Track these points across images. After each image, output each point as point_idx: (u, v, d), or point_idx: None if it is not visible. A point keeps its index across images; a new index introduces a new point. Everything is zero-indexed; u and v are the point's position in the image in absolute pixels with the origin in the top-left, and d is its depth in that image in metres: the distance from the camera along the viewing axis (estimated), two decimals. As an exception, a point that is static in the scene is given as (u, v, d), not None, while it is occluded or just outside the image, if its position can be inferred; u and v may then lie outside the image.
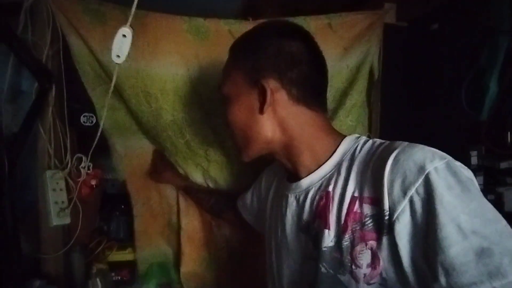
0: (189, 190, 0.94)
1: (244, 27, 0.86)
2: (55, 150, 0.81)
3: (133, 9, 0.44)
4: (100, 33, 0.80)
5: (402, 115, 0.92)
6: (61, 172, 0.81)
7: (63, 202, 0.80)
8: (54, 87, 0.80)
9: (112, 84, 0.55)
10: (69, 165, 0.83)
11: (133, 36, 0.49)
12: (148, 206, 0.97)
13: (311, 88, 0.55)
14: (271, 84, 0.52)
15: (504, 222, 0.38)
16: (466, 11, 0.76)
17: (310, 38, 0.56)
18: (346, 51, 0.88)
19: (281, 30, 0.56)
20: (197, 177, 0.96)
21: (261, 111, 0.53)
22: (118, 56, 0.49)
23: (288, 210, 0.58)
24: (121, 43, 0.48)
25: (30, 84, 0.81)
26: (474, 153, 0.90)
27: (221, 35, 0.86)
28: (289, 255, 0.57)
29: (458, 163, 0.42)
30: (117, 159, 0.93)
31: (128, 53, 0.60)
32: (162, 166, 0.95)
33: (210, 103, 0.87)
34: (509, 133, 0.65)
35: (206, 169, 0.94)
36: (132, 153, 0.95)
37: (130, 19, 0.47)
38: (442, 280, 0.36)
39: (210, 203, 0.91)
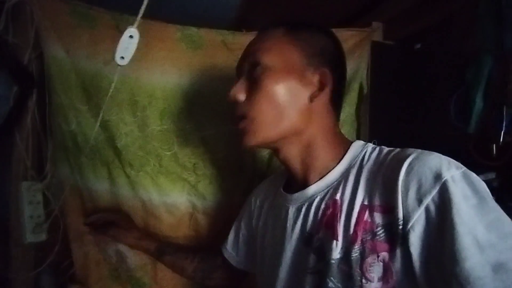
0: (163, 251, 0.78)
1: (238, 38, 0.86)
2: (32, 160, 0.75)
3: (142, 9, 0.42)
4: (88, 37, 0.78)
5: (390, 129, 0.94)
6: (39, 184, 0.74)
7: (39, 216, 0.74)
8: (35, 92, 0.75)
9: (112, 88, 0.52)
10: (48, 177, 0.76)
11: (139, 38, 0.47)
12: (84, 253, 0.85)
13: (341, 95, 0.58)
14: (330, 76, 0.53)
15: None
16: (449, 33, 0.81)
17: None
18: (338, 65, 0.90)
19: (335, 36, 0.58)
20: (180, 196, 0.88)
21: (313, 98, 0.51)
22: (122, 57, 0.46)
23: (288, 223, 0.54)
24: (127, 44, 0.45)
25: (7, 88, 0.75)
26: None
27: (214, 46, 0.85)
28: (285, 271, 0.53)
29: (474, 174, 0.40)
30: (54, 183, 0.80)
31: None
32: (125, 223, 0.81)
33: (201, 113, 0.85)
34: (494, 145, 0.68)
35: (194, 184, 0.88)
36: (76, 186, 0.83)
37: (138, 19, 0.45)
38: None
39: (195, 263, 0.76)
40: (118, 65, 0.47)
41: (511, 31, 0.64)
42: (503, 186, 0.99)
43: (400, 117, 0.95)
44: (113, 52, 0.46)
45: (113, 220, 0.80)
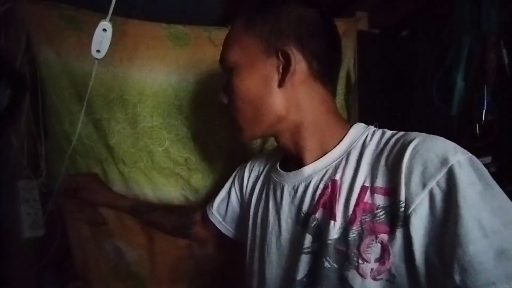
0: (138, 210, 0.81)
1: (224, 34, 0.85)
2: (28, 159, 0.77)
3: (113, 3, 0.44)
4: (75, 39, 0.80)
5: (379, 117, 0.95)
6: (35, 182, 0.77)
7: (36, 213, 0.76)
8: (28, 95, 0.78)
9: (91, 81, 0.54)
10: (43, 175, 0.79)
11: (112, 31, 0.49)
12: (83, 250, 0.86)
13: (329, 63, 0.52)
14: (294, 53, 0.48)
15: None
16: (432, 18, 0.81)
17: (327, 11, 0.53)
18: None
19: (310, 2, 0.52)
20: (173, 190, 0.90)
21: (281, 82, 0.49)
22: (98, 51, 0.48)
23: (284, 201, 0.53)
24: (101, 38, 0.47)
25: (1, 92, 0.78)
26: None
27: (201, 42, 0.87)
28: (278, 251, 0.52)
29: (478, 160, 0.40)
30: (50, 182, 0.82)
31: (105, 58, 0.60)
32: (96, 184, 0.82)
33: (190, 109, 0.87)
34: (477, 125, 0.68)
35: (187, 179, 0.90)
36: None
37: (110, 13, 0.47)
38: (457, 278, 0.35)
39: (172, 222, 0.78)
40: (95, 58, 0.49)
41: (488, 11, 0.64)
42: (500, 170, 0.99)
43: (389, 104, 0.95)
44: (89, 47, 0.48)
45: (85, 185, 0.80)
